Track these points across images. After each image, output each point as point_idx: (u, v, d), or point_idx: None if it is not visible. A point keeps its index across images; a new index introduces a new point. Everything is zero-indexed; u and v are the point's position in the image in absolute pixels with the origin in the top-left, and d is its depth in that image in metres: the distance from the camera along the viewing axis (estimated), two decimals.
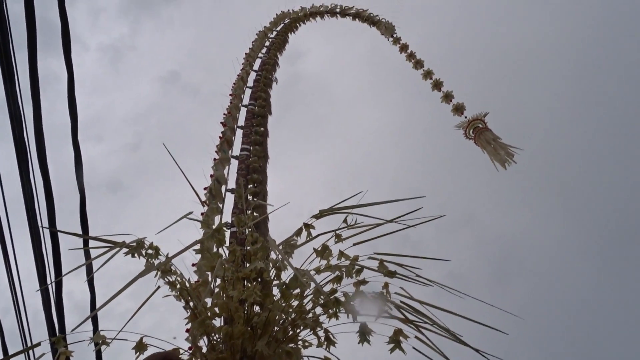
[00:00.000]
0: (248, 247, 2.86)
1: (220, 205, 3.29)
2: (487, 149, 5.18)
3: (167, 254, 2.36)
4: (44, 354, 2.86)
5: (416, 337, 2.50)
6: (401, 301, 2.52)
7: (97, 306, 3.76)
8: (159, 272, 2.34)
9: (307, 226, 2.55)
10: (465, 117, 5.92)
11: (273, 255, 2.63)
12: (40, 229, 3.21)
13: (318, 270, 2.56)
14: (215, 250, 2.59)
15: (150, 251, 2.43)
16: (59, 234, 3.88)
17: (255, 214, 3.05)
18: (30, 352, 3.30)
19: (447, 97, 6.35)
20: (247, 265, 2.72)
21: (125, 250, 2.33)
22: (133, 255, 2.35)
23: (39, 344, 2.52)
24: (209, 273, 2.77)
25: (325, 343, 2.56)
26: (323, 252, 2.52)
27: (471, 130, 5.57)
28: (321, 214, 2.58)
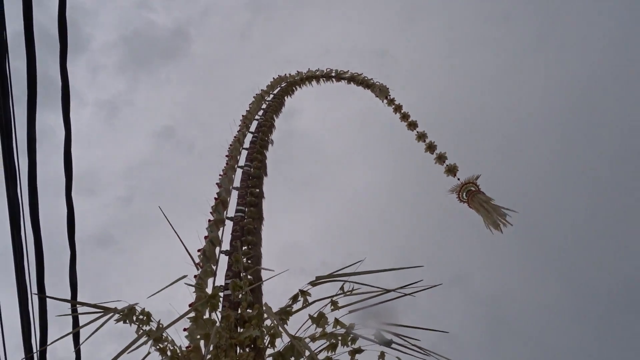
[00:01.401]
0: (242, 312, 2.81)
1: (214, 268, 3.25)
2: (480, 212, 5.21)
3: (159, 321, 2.31)
4: None
5: None
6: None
7: None
8: (150, 340, 2.29)
9: (303, 293, 2.53)
10: (458, 179, 5.99)
11: (267, 322, 2.59)
12: (29, 293, 3.15)
13: (313, 338, 2.51)
14: (208, 316, 2.54)
15: (141, 317, 2.38)
16: (48, 291, 3.81)
17: (249, 277, 3.02)
18: None
19: (441, 158, 6.44)
20: (241, 330, 2.67)
21: (116, 317, 2.29)
22: (125, 322, 2.30)
23: None
24: (201, 338, 2.71)
25: None
26: (319, 319, 2.48)
27: (464, 193, 5.62)
28: (318, 281, 2.56)
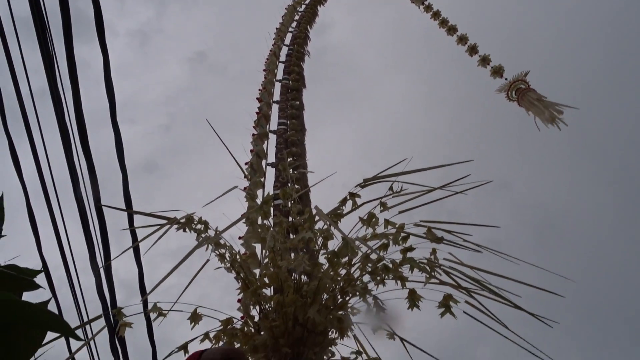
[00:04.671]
0: (293, 219, 2.89)
1: (262, 179, 3.32)
2: (532, 110, 5.02)
3: (217, 228, 2.40)
4: (104, 327, 2.98)
5: (466, 301, 2.49)
6: (450, 267, 2.51)
7: (144, 281, 3.87)
8: (210, 246, 2.39)
9: (353, 195, 2.55)
10: (505, 79, 5.76)
11: (318, 226, 2.65)
12: (87, 207, 3.30)
13: (364, 239, 2.56)
14: (261, 222, 2.62)
15: (199, 226, 2.48)
16: (106, 214, 4.00)
17: (297, 186, 3.06)
18: (87, 326, 3.43)
19: (484, 60, 6.18)
20: (293, 236, 2.75)
21: (176, 225, 2.38)
22: (184, 230, 2.39)
23: (100, 316, 2.62)
24: (256, 245, 2.81)
25: (375, 310, 2.58)
26: (370, 220, 2.52)
27: (513, 92, 5.40)
28: (366, 183, 2.57)
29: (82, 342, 2.45)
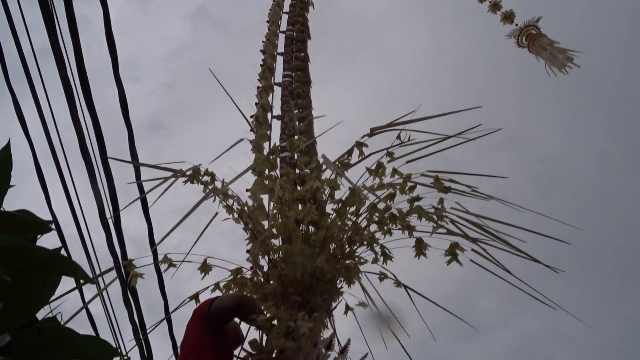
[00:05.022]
0: (300, 171, 2.89)
1: (268, 132, 3.30)
2: (542, 55, 4.91)
3: (224, 179, 2.40)
4: (115, 278, 3.04)
5: (473, 250, 2.51)
6: (457, 216, 2.52)
7: (154, 236, 3.92)
8: (218, 197, 2.40)
9: (360, 144, 2.54)
10: (516, 25, 5.62)
11: (325, 177, 2.65)
12: (94, 160, 3.30)
13: (372, 189, 2.57)
14: (268, 174, 2.62)
15: (206, 178, 2.48)
16: (113, 172, 4.01)
17: (304, 138, 3.05)
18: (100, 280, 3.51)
19: (495, 6, 6.00)
20: (300, 188, 2.76)
21: (183, 178, 2.39)
22: (191, 182, 2.40)
23: (112, 269, 2.67)
24: (264, 197, 2.83)
25: (382, 258, 2.62)
26: (377, 170, 2.51)
27: (524, 37, 5.27)
28: (373, 132, 2.55)
29: (95, 293, 2.51)
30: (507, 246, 2.29)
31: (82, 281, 2.77)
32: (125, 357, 2.12)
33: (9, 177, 1.17)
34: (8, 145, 1.18)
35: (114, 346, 1.54)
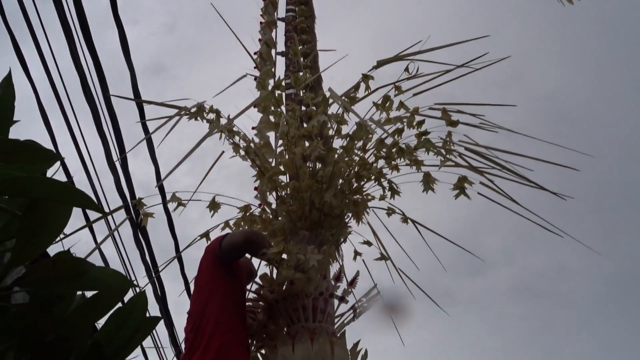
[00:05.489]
0: (305, 108, 2.85)
1: (273, 69, 3.23)
2: None
3: (229, 115, 2.37)
4: (126, 218, 3.08)
5: (481, 183, 2.51)
6: (466, 148, 2.50)
7: (161, 176, 3.93)
8: (224, 134, 2.38)
9: (366, 77, 2.48)
10: None
11: (332, 112, 2.62)
12: (97, 100, 3.25)
13: (379, 124, 2.54)
14: (274, 109, 2.58)
15: (211, 115, 2.45)
16: (117, 116, 3.98)
17: (309, 75, 2.98)
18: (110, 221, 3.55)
19: None
20: (306, 125, 2.73)
21: (187, 115, 2.36)
22: (196, 119, 2.37)
23: (121, 207, 2.69)
24: (270, 135, 2.80)
25: (389, 193, 2.62)
26: (384, 104, 2.47)
27: None
28: (380, 64, 2.49)
29: (106, 235, 2.54)
30: (516, 176, 2.27)
31: (92, 218, 2.82)
32: (140, 288, 2.18)
33: (13, 108, 1.15)
34: (9, 75, 1.15)
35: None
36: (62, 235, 2.15)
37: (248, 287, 2.45)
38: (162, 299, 4.49)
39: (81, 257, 1.26)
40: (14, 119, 1.32)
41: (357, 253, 2.66)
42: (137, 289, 2.31)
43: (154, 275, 3.65)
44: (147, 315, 1.79)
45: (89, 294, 1.58)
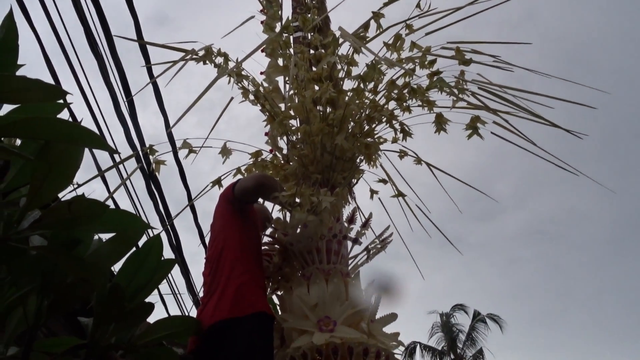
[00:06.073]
0: (314, 51, 2.78)
1: (280, 12, 3.15)
2: None
3: (237, 58, 2.33)
4: (139, 165, 3.09)
5: (495, 122, 2.46)
6: (479, 87, 2.45)
7: (170, 126, 3.92)
8: (232, 78, 2.34)
9: (377, 15, 2.40)
10: None
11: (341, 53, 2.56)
12: (100, 45, 3.19)
13: (390, 64, 2.48)
14: (282, 52, 2.53)
15: (219, 59, 2.41)
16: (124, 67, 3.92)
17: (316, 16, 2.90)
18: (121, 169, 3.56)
19: None
20: (315, 68, 2.67)
21: (195, 57, 2.31)
22: (204, 63, 2.33)
23: (131, 156, 2.69)
24: (279, 79, 2.75)
25: (401, 136, 2.59)
26: (395, 43, 2.40)
27: None
28: (390, 0, 2.41)
29: (119, 183, 2.54)
30: (531, 115, 2.23)
31: (104, 170, 2.82)
32: (155, 229, 2.20)
33: (17, 47, 1.13)
34: (10, 14, 1.12)
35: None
36: (75, 185, 2.17)
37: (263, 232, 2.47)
38: (177, 249, 4.57)
39: (97, 200, 1.26)
40: (18, 62, 1.30)
41: (373, 192, 2.66)
42: (153, 232, 2.34)
43: (167, 224, 3.70)
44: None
45: (105, 239, 1.59)
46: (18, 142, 1.88)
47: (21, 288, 1.46)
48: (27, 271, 1.41)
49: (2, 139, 1.46)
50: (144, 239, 1.70)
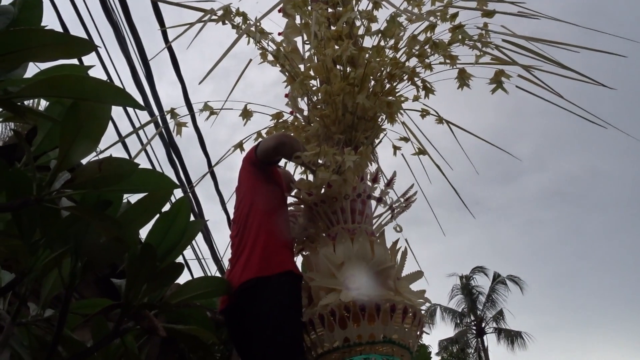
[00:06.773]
0: (332, 10, 2.72)
1: None
2: None
3: (256, 17, 2.28)
4: (158, 130, 3.09)
5: (520, 76, 2.41)
6: (503, 40, 2.38)
7: (187, 93, 3.89)
8: (252, 37, 2.31)
9: None
10: None
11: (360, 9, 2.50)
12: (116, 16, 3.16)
13: (410, 19, 2.42)
14: (302, 10, 2.47)
15: (238, 18, 2.37)
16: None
17: None
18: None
19: None
20: (335, 27, 2.62)
21: (214, 17, 2.28)
22: (224, 23, 2.30)
23: (151, 121, 2.69)
24: (297, 40, 2.71)
25: (423, 93, 2.55)
26: None
27: None
28: None
29: (140, 148, 2.55)
30: (560, 67, 2.17)
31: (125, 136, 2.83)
32: (186, 187, 2.21)
33: (41, 3, 1.11)
34: None
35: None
36: (97, 151, 2.18)
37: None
38: (200, 216, 4.61)
39: (127, 159, 1.26)
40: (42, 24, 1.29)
41: (395, 147, 2.64)
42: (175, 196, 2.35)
43: (189, 191, 3.72)
44: None
45: (134, 200, 1.60)
46: (41, 108, 1.89)
47: (55, 250, 1.48)
48: (61, 233, 1.43)
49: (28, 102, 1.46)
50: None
